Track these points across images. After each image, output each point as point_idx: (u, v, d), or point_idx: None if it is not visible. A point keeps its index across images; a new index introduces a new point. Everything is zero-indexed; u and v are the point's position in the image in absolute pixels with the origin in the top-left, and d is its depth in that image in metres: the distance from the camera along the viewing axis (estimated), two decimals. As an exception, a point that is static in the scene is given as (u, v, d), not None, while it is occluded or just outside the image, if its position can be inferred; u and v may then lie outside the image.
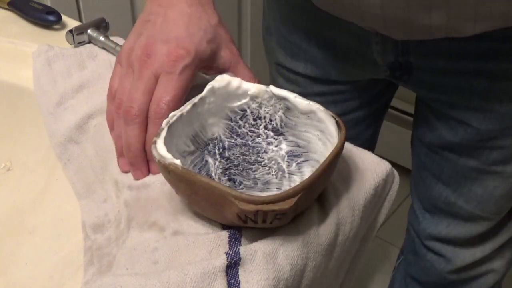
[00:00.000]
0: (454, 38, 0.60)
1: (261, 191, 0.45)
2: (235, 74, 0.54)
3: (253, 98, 0.48)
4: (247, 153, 0.48)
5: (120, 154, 0.50)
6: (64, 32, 0.63)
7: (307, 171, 0.46)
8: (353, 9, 0.59)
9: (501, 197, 0.76)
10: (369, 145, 0.87)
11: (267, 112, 0.48)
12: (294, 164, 0.47)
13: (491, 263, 0.87)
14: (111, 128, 0.52)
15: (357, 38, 0.68)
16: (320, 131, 0.46)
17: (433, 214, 0.84)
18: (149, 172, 0.49)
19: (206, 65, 0.52)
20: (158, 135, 0.43)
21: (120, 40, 0.62)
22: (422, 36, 0.60)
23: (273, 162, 0.47)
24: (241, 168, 0.47)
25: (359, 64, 0.71)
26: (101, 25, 0.64)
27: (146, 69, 0.49)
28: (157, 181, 0.47)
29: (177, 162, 0.40)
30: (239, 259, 0.39)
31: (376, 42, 0.66)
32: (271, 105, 0.48)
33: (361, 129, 0.84)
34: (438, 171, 0.78)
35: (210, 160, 0.47)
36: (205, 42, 0.51)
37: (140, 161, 0.49)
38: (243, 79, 0.48)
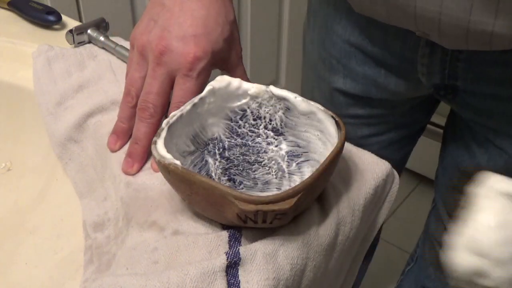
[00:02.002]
0: (510, 64, 0.56)
1: (261, 191, 0.45)
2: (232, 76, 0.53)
3: (253, 98, 0.48)
4: (247, 153, 0.48)
5: (115, 133, 0.50)
6: (64, 32, 0.63)
7: (307, 171, 0.46)
8: (406, 9, 0.55)
9: None
10: (397, 166, 0.85)
11: (267, 112, 0.48)
12: (294, 164, 0.47)
13: None
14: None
15: (402, 58, 0.65)
16: (320, 131, 0.46)
17: None
18: (139, 170, 0.49)
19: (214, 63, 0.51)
20: (158, 135, 0.43)
21: (120, 40, 0.62)
22: (477, 47, 0.55)
23: (273, 162, 0.47)
24: (241, 168, 0.47)
25: (402, 82, 0.68)
26: (101, 25, 0.64)
27: (161, 67, 0.48)
28: (157, 181, 0.47)
29: (177, 162, 0.40)
30: (239, 259, 0.39)
31: (422, 64, 0.63)
32: (271, 105, 0.48)
33: (392, 150, 0.80)
34: None
35: (210, 160, 0.47)
36: (221, 41, 0.49)
37: (139, 155, 0.49)
38: None
